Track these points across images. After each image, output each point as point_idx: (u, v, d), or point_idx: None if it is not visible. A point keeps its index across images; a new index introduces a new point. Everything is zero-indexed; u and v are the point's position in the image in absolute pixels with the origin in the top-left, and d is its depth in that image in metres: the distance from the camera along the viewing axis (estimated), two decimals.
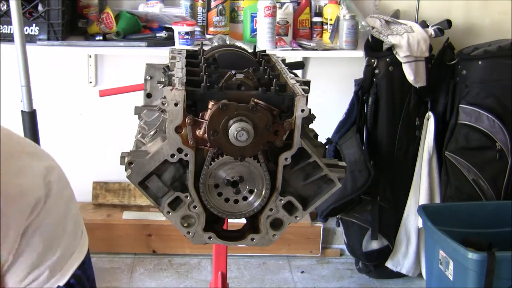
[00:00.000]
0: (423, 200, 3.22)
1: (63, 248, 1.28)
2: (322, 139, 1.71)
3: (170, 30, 3.11)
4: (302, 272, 3.47)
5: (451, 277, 2.73)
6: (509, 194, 3.19)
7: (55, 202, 1.25)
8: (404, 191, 3.28)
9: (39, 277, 1.22)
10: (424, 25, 3.18)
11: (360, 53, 3.17)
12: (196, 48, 1.96)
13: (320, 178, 1.55)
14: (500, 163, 3.15)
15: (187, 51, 1.91)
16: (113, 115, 3.49)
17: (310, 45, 3.20)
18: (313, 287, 3.35)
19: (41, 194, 1.19)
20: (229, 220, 1.67)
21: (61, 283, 1.23)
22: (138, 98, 2.11)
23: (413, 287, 3.39)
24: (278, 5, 3.15)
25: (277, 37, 3.14)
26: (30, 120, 2.79)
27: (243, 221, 1.65)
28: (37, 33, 3.01)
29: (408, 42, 3.02)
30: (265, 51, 2.02)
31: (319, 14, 3.32)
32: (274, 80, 1.53)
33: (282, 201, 1.54)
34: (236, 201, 1.55)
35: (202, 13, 3.26)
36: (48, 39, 3.02)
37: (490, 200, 3.16)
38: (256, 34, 3.14)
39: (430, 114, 3.21)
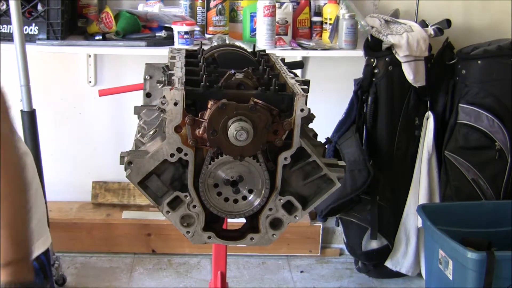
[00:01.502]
0: (423, 199, 3.22)
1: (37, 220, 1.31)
2: (321, 138, 1.71)
3: (170, 29, 3.11)
4: (301, 271, 3.47)
5: (450, 277, 2.73)
6: (508, 193, 3.20)
7: (32, 179, 1.29)
8: (403, 191, 3.28)
9: None
10: (423, 24, 3.18)
11: (359, 53, 3.17)
12: (196, 48, 1.96)
13: (319, 177, 1.55)
14: (500, 163, 3.15)
15: (187, 50, 1.91)
16: (112, 114, 3.49)
17: (309, 44, 3.20)
18: (312, 287, 3.35)
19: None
20: (229, 220, 1.67)
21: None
22: (138, 98, 2.11)
23: (413, 286, 3.39)
24: (277, 4, 3.15)
25: (276, 36, 3.14)
26: (30, 119, 2.80)
27: (243, 220, 1.65)
28: (36, 32, 3.01)
29: (407, 41, 3.02)
30: (264, 50, 2.02)
31: (319, 13, 3.32)
32: (274, 79, 1.53)
33: (282, 201, 1.54)
34: (235, 201, 1.55)
35: (202, 12, 3.26)
36: (48, 38, 3.02)
37: (490, 200, 3.16)
38: (255, 33, 3.14)
39: (429, 114, 3.21)
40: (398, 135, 3.19)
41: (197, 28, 3.18)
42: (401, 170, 3.26)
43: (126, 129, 3.37)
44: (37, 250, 1.37)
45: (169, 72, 1.67)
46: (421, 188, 3.24)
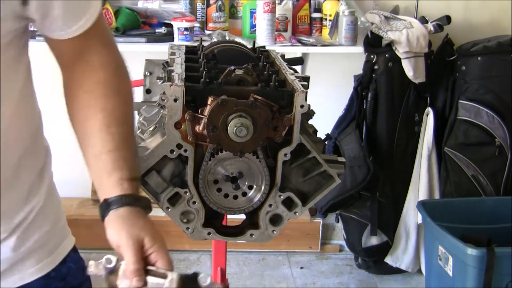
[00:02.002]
0: (423, 196, 3.22)
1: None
2: (321, 134, 1.71)
3: (170, 26, 3.11)
4: (301, 267, 3.48)
5: (450, 273, 2.73)
6: (508, 189, 3.20)
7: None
8: (403, 187, 3.29)
9: None
10: (423, 21, 3.18)
11: (359, 49, 3.17)
12: (196, 44, 1.96)
13: (319, 174, 1.55)
14: (500, 159, 3.15)
15: (187, 47, 1.91)
16: None
17: (309, 41, 3.20)
18: (312, 283, 3.36)
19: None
20: (229, 216, 1.68)
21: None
22: (137, 94, 2.10)
23: (413, 282, 3.39)
24: (277, 1, 3.15)
25: (276, 33, 3.14)
26: None
27: (243, 217, 1.65)
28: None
29: (407, 38, 3.02)
30: (264, 46, 2.02)
31: (318, 10, 3.32)
32: (274, 76, 1.53)
33: (282, 197, 1.54)
34: (235, 197, 1.55)
35: (202, 9, 3.26)
36: None
37: (490, 196, 3.16)
38: (255, 30, 3.14)
39: (429, 110, 3.21)
40: (398, 132, 3.19)
41: (197, 25, 3.18)
42: (401, 166, 3.26)
43: None
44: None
45: (169, 68, 1.67)
46: (421, 184, 3.24)
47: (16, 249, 1.20)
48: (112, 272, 1.14)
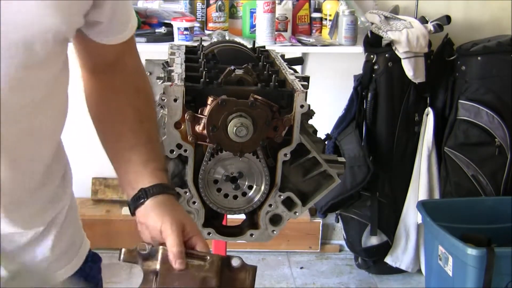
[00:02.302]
0: (422, 195, 3.22)
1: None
2: (321, 134, 1.71)
3: (169, 26, 3.11)
4: (301, 267, 3.48)
5: (450, 273, 2.73)
6: (508, 189, 3.20)
7: None
8: (403, 187, 3.28)
9: None
10: (423, 20, 3.18)
11: (359, 49, 3.16)
12: (195, 44, 1.96)
13: (319, 173, 1.55)
14: (499, 159, 3.15)
15: (186, 46, 1.91)
16: None
17: (309, 40, 3.20)
18: (312, 283, 3.35)
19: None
20: (229, 216, 1.68)
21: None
22: None
23: (413, 282, 3.39)
24: (277, 1, 3.15)
25: (276, 32, 3.14)
26: None
27: (242, 216, 1.65)
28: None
29: (407, 38, 3.01)
30: (264, 46, 2.02)
31: (318, 10, 3.32)
32: (274, 75, 1.53)
33: (282, 197, 1.54)
34: (235, 197, 1.55)
35: (201, 8, 3.25)
36: None
37: (489, 196, 3.16)
38: (255, 29, 3.14)
39: (429, 110, 3.20)
40: (398, 131, 3.19)
41: (197, 24, 3.17)
42: (401, 166, 3.26)
43: None
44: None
45: (169, 68, 1.67)
46: (421, 184, 3.24)
47: (53, 249, 1.22)
48: (147, 257, 1.19)
